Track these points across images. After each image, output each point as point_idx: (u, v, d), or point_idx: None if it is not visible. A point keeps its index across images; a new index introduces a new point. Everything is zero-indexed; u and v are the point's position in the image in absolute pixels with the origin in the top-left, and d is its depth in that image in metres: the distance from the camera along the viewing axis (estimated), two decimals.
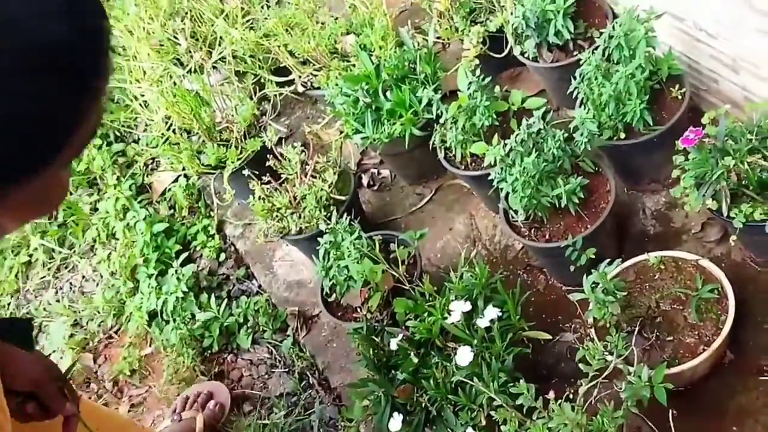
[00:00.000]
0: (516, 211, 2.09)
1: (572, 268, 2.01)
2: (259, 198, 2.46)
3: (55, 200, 0.93)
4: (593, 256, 1.95)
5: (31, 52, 0.78)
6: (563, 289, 2.23)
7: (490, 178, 2.10)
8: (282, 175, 2.52)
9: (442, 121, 2.35)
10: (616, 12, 2.37)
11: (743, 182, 1.81)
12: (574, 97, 2.16)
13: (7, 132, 0.77)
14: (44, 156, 0.83)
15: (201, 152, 2.84)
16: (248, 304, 2.67)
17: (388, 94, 2.48)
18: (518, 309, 1.94)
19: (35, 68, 0.78)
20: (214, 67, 3.11)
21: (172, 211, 3.17)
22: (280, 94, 3.04)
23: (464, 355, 1.82)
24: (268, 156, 2.52)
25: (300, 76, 2.93)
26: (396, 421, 1.87)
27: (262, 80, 3.03)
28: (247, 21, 3.16)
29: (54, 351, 2.98)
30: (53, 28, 0.80)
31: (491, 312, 1.85)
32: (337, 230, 2.18)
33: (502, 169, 2.06)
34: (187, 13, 3.22)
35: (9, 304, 3.30)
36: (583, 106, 2.13)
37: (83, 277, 3.27)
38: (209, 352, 2.68)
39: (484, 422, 1.76)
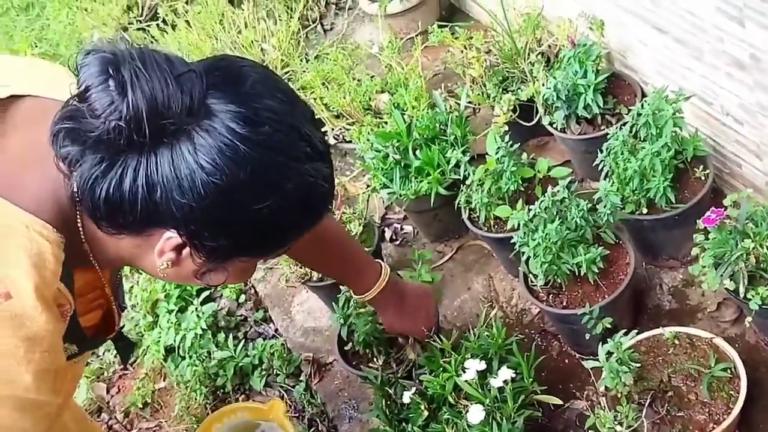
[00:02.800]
0: (536, 276, 2.13)
1: (587, 336, 2.05)
2: None
3: (247, 277, 1.34)
4: (609, 326, 1.99)
5: (304, 186, 1.13)
6: (577, 356, 2.25)
7: (512, 241, 2.14)
8: None
9: (468, 182, 2.41)
10: (646, 91, 2.44)
11: (761, 265, 1.85)
12: (599, 169, 2.21)
13: (276, 229, 1.16)
14: (275, 249, 1.24)
15: None
16: (264, 347, 2.70)
17: (417, 152, 2.55)
18: (532, 372, 1.97)
19: (301, 199, 1.14)
20: None
21: None
22: None
23: (476, 414, 1.84)
24: None
25: (333, 129, 3.01)
26: None
27: None
28: (286, 72, 3.27)
29: None
30: (324, 172, 1.16)
31: (505, 373, 1.88)
32: None
33: (524, 233, 2.11)
34: None
35: None
36: (607, 179, 2.19)
37: None
38: (222, 391, 2.71)
39: None
